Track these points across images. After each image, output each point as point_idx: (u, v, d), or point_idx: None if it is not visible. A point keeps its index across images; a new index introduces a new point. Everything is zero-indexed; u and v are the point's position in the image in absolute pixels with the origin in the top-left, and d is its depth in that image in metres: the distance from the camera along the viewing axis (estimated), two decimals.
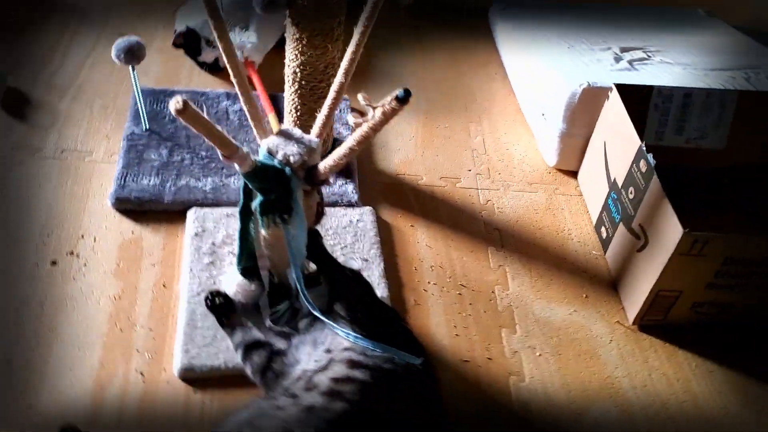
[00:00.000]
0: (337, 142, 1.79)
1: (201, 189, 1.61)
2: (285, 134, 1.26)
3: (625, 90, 1.65)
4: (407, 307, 1.51)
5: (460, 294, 1.55)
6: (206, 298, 1.40)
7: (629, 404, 1.40)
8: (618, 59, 1.90)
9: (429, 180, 1.79)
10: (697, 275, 1.43)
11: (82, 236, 1.52)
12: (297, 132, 1.28)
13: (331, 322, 1.21)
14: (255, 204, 1.23)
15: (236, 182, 1.63)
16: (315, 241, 1.34)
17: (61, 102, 1.82)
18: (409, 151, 1.86)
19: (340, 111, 1.88)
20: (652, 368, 1.47)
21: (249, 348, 1.31)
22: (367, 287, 1.35)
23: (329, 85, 1.34)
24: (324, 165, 1.23)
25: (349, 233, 1.59)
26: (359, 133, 1.15)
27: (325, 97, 1.33)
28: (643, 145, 1.50)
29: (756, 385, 1.46)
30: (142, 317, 1.41)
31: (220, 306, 1.38)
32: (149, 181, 1.60)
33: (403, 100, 1.05)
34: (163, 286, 1.47)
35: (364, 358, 1.18)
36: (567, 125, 1.78)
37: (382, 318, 1.30)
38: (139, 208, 1.58)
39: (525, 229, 1.71)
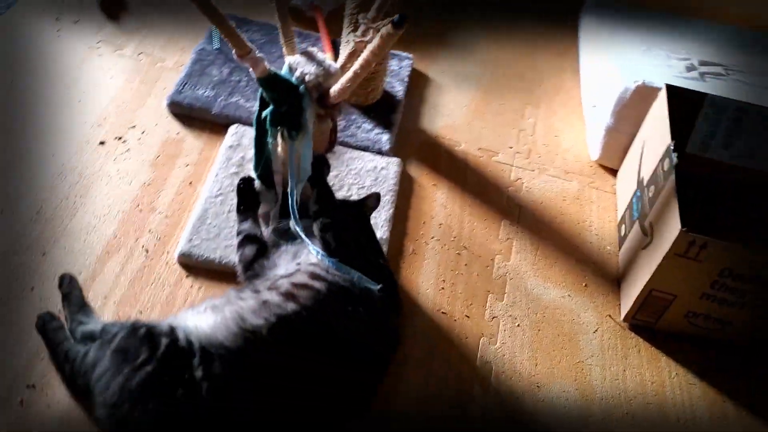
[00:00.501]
0: (390, 97, 1.86)
1: (247, 109, 1.73)
2: (309, 55, 1.35)
3: (676, 93, 1.62)
4: (404, 255, 1.56)
5: (459, 254, 1.59)
6: (239, 181, 1.49)
7: (592, 390, 1.40)
8: (691, 69, 1.85)
9: (467, 148, 1.83)
10: (692, 281, 1.40)
11: (134, 126, 1.69)
12: (321, 56, 1.36)
13: (306, 239, 1.29)
14: (265, 113, 1.32)
15: None
16: (319, 167, 1.41)
17: (151, 13, 2.00)
18: (457, 117, 1.90)
19: (400, 68, 1.95)
20: (629, 366, 1.45)
21: (247, 239, 1.41)
22: (361, 221, 1.41)
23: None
24: (333, 89, 1.31)
25: (370, 177, 1.66)
26: (362, 58, 1.22)
27: None
28: (672, 144, 1.48)
29: (733, 409, 1.41)
30: (163, 205, 1.55)
31: (246, 192, 1.48)
32: (204, 92, 1.75)
33: (398, 24, 1.11)
34: (189, 184, 1.60)
35: (325, 274, 1.26)
36: (615, 120, 1.76)
37: (361, 249, 1.35)
38: (189, 114, 1.73)
39: (547, 212, 1.71)
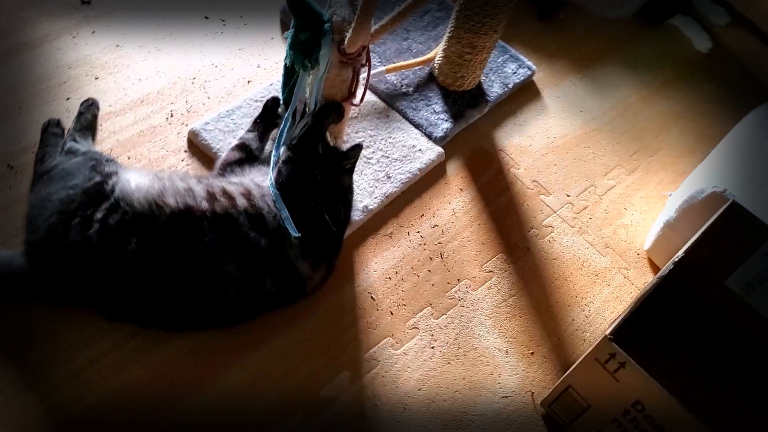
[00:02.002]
0: (481, 93, 1.81)
1: None
2: (352, 2, 1.37)
3: (742, 215, 1.39)
4: (379, 232, 1.55)
5: (431, 258, 1.54)
6: (270, 98, 1.59)
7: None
8: None
9: (521, 174, 1.72)
10: (607, 398, 1.23)
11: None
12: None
13: (272, 164, 1.35)
14: (287, 33, 1.37)
15: None
16: (326, 109, 1.43)
17: None
18: (536, 144, 1.79)
19: (513, 72, 1.87)
20: None
21: (241, 146, 1.50)
22: (334, 172, 1.41)
23: None
24: (352, 35, 1.31)
25: (401, 152, 1.65)
26: (394, 12, 1.24)
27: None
28: (675, 259, 1.29)
29: None
30: (213, 88, 1.69)
31: (269, 109, 1.57)
32: None
33: None
34: (248, 82, 1.72)
35: (258, 198, 1.31)
36: (677, 217, 1.56)
37: (313, 196, 1.37)
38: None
39: (552, 269, 1.58)
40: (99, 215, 1.24)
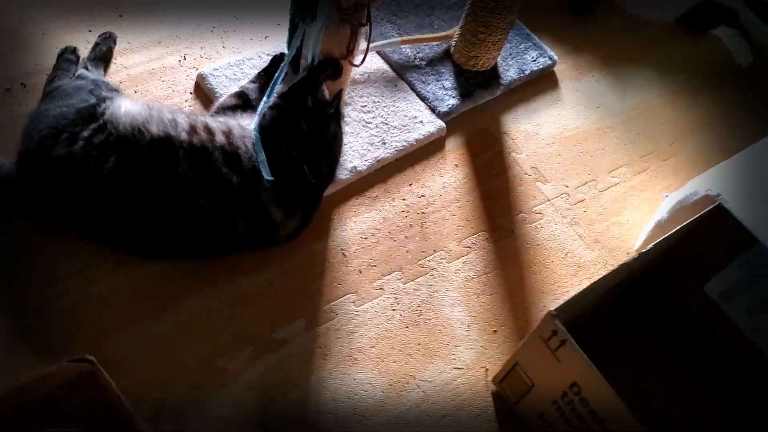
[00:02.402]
0: (495, 76, 1.80)
1: None
2: None
3: (725, 219, 1.34)
4: (363, 194, 1.56)
5: (411, 226, 1.54)
6: (276, 54, 1.62)
7: (399, 402, 1.31)
8: None
9: (522, 159, 1.71)
10: (549, 378, 1.21)
11: None
12: None
13: (259, 109, 1.38)
14: None
15: None
16: (323, 65, 1.46)
17: None
18: (544, 132, 1.77)
19: (533, 59, 1.86)
20: (453, 418, 1.32)
21: (240, 94, 1.54)
22: (319, 124, 1.44)
23: None
24: None
25: (401, 121, 1.66)
26: None
27: None
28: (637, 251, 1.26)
29: None
30: (233, 40, 1.74)
31: (275, 64, 1.58)
32: None
33: None
34: (265, 38, 1.76)
35: (238, 137, 1.35)
36: (668, 217, 1.52)
37: (295, 145, 1.39)
38: None
39: (533, 255, 1.56)
40: (85, 133, 1.30)
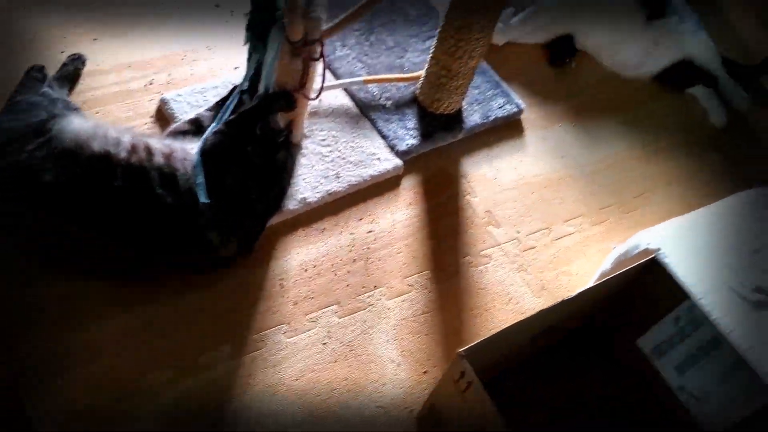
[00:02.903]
0: (458, 120, 1.81)
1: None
2: None
3: (660, 273, 1.33)
4: (311, 227, 1.57)
5: (354, 261, 1.54)
6: (235, 85, 1.65)
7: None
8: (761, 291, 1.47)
9: (476, 203, 1.71)
10: (458, 422, 1.19)
11: None
12: (321, 3, 1.42)
13: (198, 137, 1.41)
14: (246, 12, 1.44)
15: None
16: (274, 96, 1.48)
17: None
18: (501, 177, 1.77)
19: (499, 106, 1.87)
20: None
21: (195, 120, 1.54)
22: (266, 153, 1.45)
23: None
24: (299, 25, 1.36)
25: (358, 156, 1.68)
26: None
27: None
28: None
29: None
30: (199, 68, 1.78)
31: (229, 95, 1.62)
32: None
33: None
34: (235, 69, 1.80)
35: (176, 161, 1.36)
36: (610, 269, 1.51)
37: (237, 172, 1.41)
38: None
39: (476, 298, 1.55)
40: (30, 146, 1.33)
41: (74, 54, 1.67)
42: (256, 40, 1.44)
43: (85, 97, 1.65)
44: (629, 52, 2.08)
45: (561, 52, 2.09)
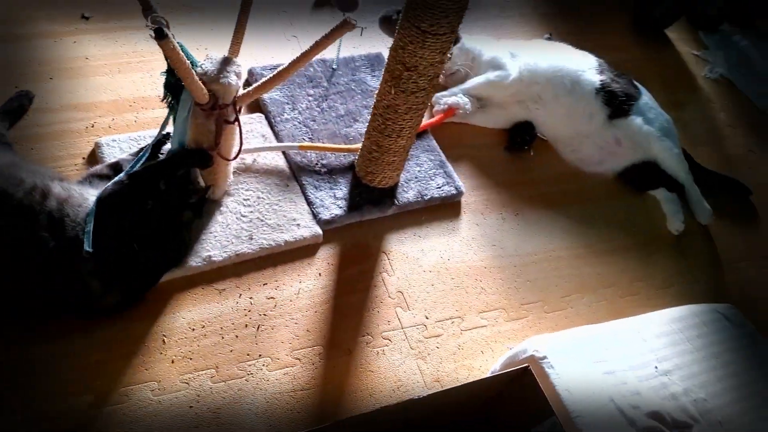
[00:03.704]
0: (390, 196, 1.81)
1: None
2: (228, 62, 1.45)
3: (531, 385, 1.28)
4: (210, 284, 1.57)
5: (246, 326, 1.54)
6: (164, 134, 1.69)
7: None
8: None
9: (389, 282, 1.68)
10: None
11: None
12: (235, 70, 1.45)
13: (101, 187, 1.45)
14: (163, 72, 1.48)
15: None
16: (183, 155, 1.51)
17: None
18: (424, 259, 1.74)
19: (443, 194, 1.86)
20: None
21: (115, 164, 1.58)
22: (178, 206, 1.47)
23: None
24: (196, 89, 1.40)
25: (277, 220, 1.68)
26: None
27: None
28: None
29: None
30: (144, 116, 1.82)
31: (160, 143, 1.64)
32: None
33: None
34: None
35: (69, 207, 1.39)
36: (498, 370, 1.46)
37: (129, 224, 1.42)
38: None
39: (366, 379, 1.52)
40: None
41: (23, 90, 1.74)
42: (172, 98, 1.47)
43: (25, 133, 1.70)
44: (589, 149, 2.04)
45: (521, 138, 2.06)
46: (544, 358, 1.36)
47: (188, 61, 1.29)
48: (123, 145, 1.71)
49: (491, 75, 2.03)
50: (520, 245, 1.84)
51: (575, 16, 2.57)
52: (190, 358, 1.45)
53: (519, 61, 2.04)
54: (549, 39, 2.35)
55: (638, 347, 1.52)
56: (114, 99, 1.83)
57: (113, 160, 1.61)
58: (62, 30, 1.93)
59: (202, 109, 1.44)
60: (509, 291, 1.74)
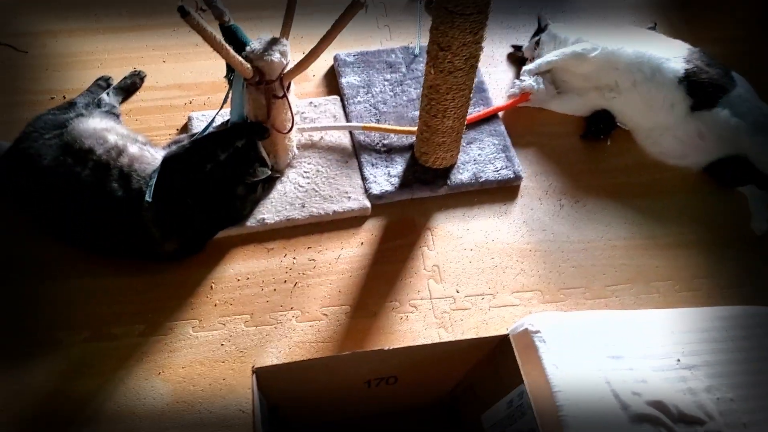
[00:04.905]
0: (446, 172, 1.89)
1: None
2: (275, 42, 1.63)
3: (508, 354, 1.31)
4: (261, 243, 1.75)
5: (285, 282, 1.69)
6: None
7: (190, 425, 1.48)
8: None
9: (428, 255, 1.76)
10: None
11: None
12: (282, 48, 1.61)
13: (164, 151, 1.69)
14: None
15: None
16: (246, 127, 1.71)
17: None
18: (467, 237, 1.78)
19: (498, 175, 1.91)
20: None
21: (193, 135, 1.84)
22: (234, 177, 1.66)
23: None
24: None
25: (330, 191, 1.82)
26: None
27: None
28: None
29: None
30: None
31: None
32: None
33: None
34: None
35: (138, 163, 1.63)
36: None
37: (188, 186, 1.63)
38: None
39: (384, 339, 1.62)
40: (47, 136, 1.70)
41: (137, 70, 2.05)
42: (230, 74, 1.67)
43: (134, 106, 2.01)
44: (671, 141, 1.96)
45: (597, 127, 2.03)
46: (537, 332, 1.37)
47: (217, 35, 1.46)
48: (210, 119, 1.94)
49: (577, 47, 2.00)
50: (574, 232, 1.82)
51: (693, 3, 2.44)
52: (231, 304, 1.64)
53: (605, 45, 1.99)
54: (652, 29, 2.26)
55: (662, 339, 1.46)
56: (212, 81, 2.08)
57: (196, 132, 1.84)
58: (181, 20, 2.21)
59: (249, 83, 1.62)
60: (550, 275, 1.74)
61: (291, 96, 1.72)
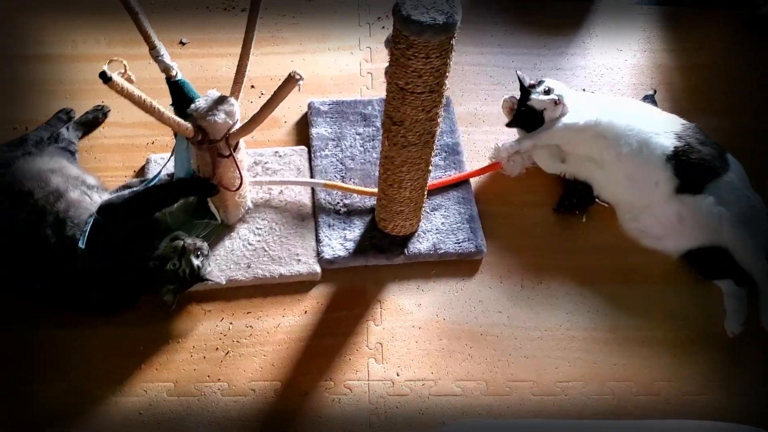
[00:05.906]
0: (404, 241, 1.80)
1: None
2: (222, 101, 1.55)
3: None
4: (199, 304, 1.69)
5: (216, 349, 1.63)
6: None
7: None
8: None
9: (373, 331, 1.67)
10: None
11: None
12: (228, 109, 1.54)
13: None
14: (171, 104, 1.61)
15: None
16: (191, 183, 1.64)
17: None
18: (417, 314, 1.69)
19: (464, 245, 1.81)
20: None
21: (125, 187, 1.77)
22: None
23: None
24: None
25: (281, 252, 1.75)
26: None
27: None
28: None
29: None
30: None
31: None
32: None
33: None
34: None
35: (77, 210, 1.57)
36: None
37: (126, 239, 1.58)
38: None
39: (317, 425, 1.54)
40: None
41: (100, 105, 1.99)
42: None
43: (95, 143, 1.96)
44: (649, 220, 1.84)
45: (570, 201, 1.92)
46: None
47: (148, 98, 1.39)
48: (170, 164, 1.87)
49: (565, 119, 1.88)
50: (531, 317, 1.72)
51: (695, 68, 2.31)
52: (156, 369, 1.58)
53: (596, 112, 1.87)
54: (649, 97, 2.14)
55: None
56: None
57: (150, 176, 1.78)
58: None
59: (191, 143, 1.55)
60: (499, 363, 1.64)
61: (241, 153, 1.65)
